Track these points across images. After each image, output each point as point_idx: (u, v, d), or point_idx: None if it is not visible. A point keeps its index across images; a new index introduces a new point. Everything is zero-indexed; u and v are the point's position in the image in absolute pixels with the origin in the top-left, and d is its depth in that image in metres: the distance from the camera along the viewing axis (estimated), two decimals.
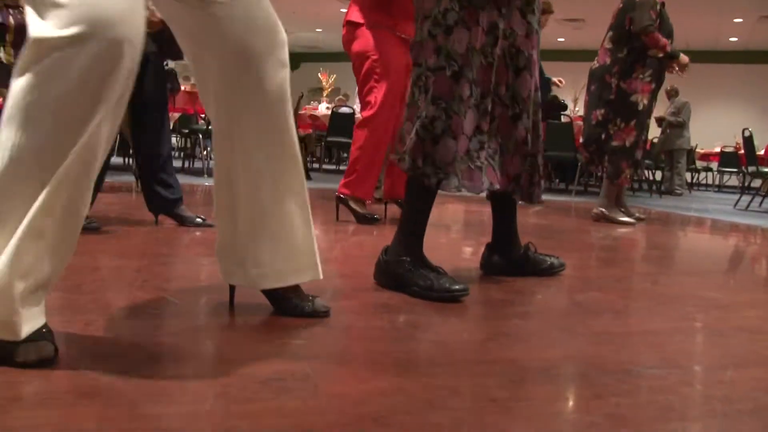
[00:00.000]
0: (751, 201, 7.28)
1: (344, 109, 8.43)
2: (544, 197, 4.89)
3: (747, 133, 7.32)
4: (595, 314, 1.67)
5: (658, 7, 4.02)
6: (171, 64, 6.52)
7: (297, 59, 19.36)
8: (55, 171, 0.99)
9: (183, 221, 2.75)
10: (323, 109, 8.89)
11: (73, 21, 0.95)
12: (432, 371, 1.14)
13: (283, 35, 1.30)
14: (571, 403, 1.05)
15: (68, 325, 1.25)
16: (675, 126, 9.53)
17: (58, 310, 1.34)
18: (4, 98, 1.07)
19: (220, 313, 1.42)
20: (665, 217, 5.15)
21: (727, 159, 11.29)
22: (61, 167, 0.99)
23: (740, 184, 10.00)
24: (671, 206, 4.66)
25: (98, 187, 2.50)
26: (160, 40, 2.55)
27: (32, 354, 1.01)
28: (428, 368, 1.16)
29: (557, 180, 9.22)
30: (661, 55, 4.00)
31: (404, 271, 1.74)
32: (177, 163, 7.83)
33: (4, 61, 2.59)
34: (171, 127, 7.32)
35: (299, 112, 8.22)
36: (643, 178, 8.62)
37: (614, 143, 4.07)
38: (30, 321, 1.02)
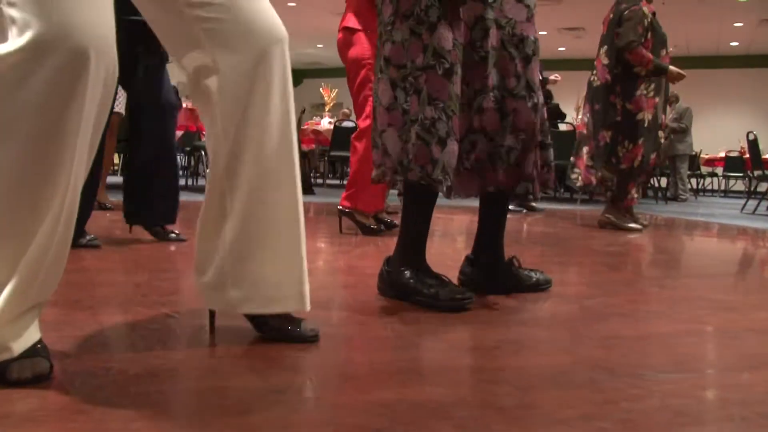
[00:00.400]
0: (758, 205, 7.23)
1: (347, 124, 8.44)
2: (549, 206, 4.87)
3: (752, 137, 7.29)
4: (603, 319, 1.64)
5: (648, 19, 3.90)
6: (172, 80, 6.52)
7: (299, 75, 19.45)
8: (37, 190, 0.96)
9: (159, 236, 2.71)
10: (326, 124, 8.90)
11: (29, 33, 0.92)
12: (436, 380, 1.11)
13: (284, 32, 1.25)
14: (581, 409, 1.01)
15: (65, 341, 1.22)
16: (677, 132, 9.50)
17: (54, 326, 1.32)
18: None
19: (219, 327, 1.39)
20: (671, 223, 5.11)
21: (732, 163, 11.24)
22: (50, 184, 0.97)
23: (746, 189, 9.95)
24: (677, 212, 4.63)
25: (90, 202, 2.47)
26: (145, 37, 2.39)
27: (27, 371, 0.99)
28: (432, 377, 1.13)
29: (561, 189, 9.18)
30: (644, 72, 3.88)
31: (407, 281, 1.71)
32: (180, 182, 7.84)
33: None
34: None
35: (302, 128, 8.24)
36: (649, 185, 8.58)
37: (623, 166, 4.01)
38: (24, 337, 1.00)
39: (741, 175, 11.02)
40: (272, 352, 1.24)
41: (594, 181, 4.09)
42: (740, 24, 12.48)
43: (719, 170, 12.32)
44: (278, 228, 1.25)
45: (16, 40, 0.92)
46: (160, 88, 2.62)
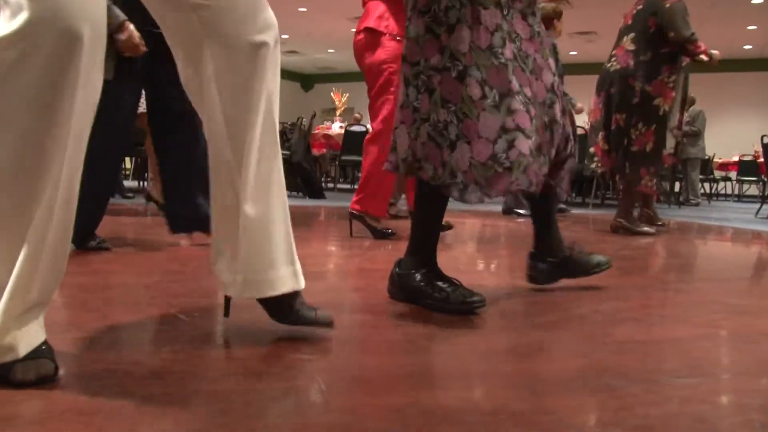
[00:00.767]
0: None
1: (357, 128, 8.43)
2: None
3: (766, 140, 7.21)
4: (617, 323, 1.61)
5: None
6: None
7: (310, 80, 19.50)
8: (34, 182, 0.95)
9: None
10: (336, 128, 8.91)
11: (22, 16, 0.91)
12: (448, 384, 1.09)
13: (272, 19, 1.27)
14: (596, 415, 0.99)
15: (71, 343, 1.21)
16: (689, 135, 9.42)
17: (61, 327, 1.31)
18: None
19: (229, 328, 1.37)
20: (684, 227, 5.05)
21: (745, 168, 11.13)
22: (43, 171, 0.96)
23: (760, 193, 9.85)
24: (690, 216, 4.57)
25: (101, 207, 2.46)
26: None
27: (31, 373, 0.97)
28: (444, 381, 1.11)
29: (573, 193, 9.13)
30: (705, 59, 3.97)
31: (418, 284, 1.69)
32: None
33: None
34: None
35: (312, 132, 8.24)
36: (662, 189, 8.51)
37: (634, 148, 3.99)
38: (28, 339, 0.99)
39: (755, 179, 10.91)
40: (282, 354, 1.22)
41: (613, 162, 4.08)
42: (754, 27, 12.37)
43: (733, 174, 12.20)
44: (277, 207, 1.29)
45: (9, 23, 0.92)
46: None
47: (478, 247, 3.18)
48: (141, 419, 0.88)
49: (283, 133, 7.50)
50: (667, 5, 3.91)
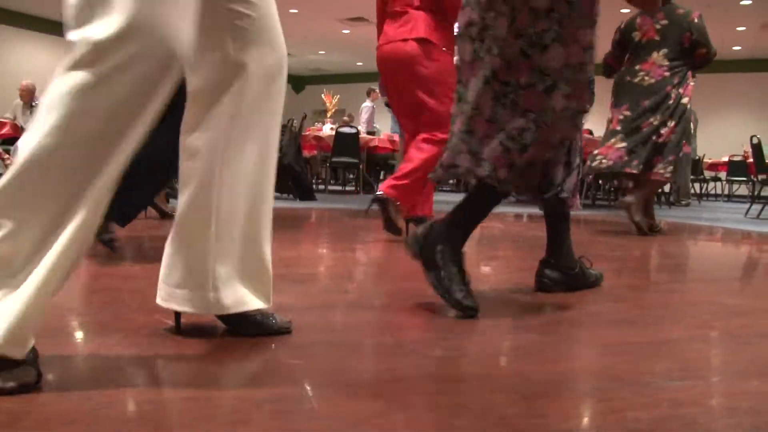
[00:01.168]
0: (762, 209, 7.18)
1: (348, 129, 8.42)
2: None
3: (755, 141, 7.25)
4: (609, 325, 1.60)
5: None
6: None
7: (301, 82, 19.46)
8: (86, 181, 0.95)
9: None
10: (327, 130, 8.89)
11: (126, 29, 0.93)
12: (437, 388, 1.08)
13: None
14: (586, 418, 0.98)
15: (55, 348, 1.19)
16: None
17: (46, 333, 1.28)
18: None
19: (214, 333, 1.35)
20: (676, 227, 5.06)
21: (735, 168, 11.18)
22: (98, 183, 0.96)
23: (750, 193, 9.90)
24: (682, 216, 4.58)
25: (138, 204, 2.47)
26: None
27: (11, 381, 0.95)
28: (433, 385, 1.09)
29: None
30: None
31: (435, 256, 1.70)
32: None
33: None
34: None
35: (303, 134, 8.22)
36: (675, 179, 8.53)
37: (660, 140, 4.09)
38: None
39: (744, 179, 10.96)
40: (268, 359, 1.21)
41: (626, 157, 4.11)
42: (743, 28, 12.44)
43: (722, 175, 12.26)
44: (262, 224, 1.29)
45: (108, 30, 0.93)
46: None
47: (469, 248, 3.17)
48: (123, 427, 0.86)
49: None
50: (696, 21, 4.09)
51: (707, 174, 12.42)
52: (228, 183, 1.24)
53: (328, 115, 10.45)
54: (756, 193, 8.49)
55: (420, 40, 3.23)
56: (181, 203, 1.26)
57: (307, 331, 1.40)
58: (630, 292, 2.10)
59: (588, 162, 4.26)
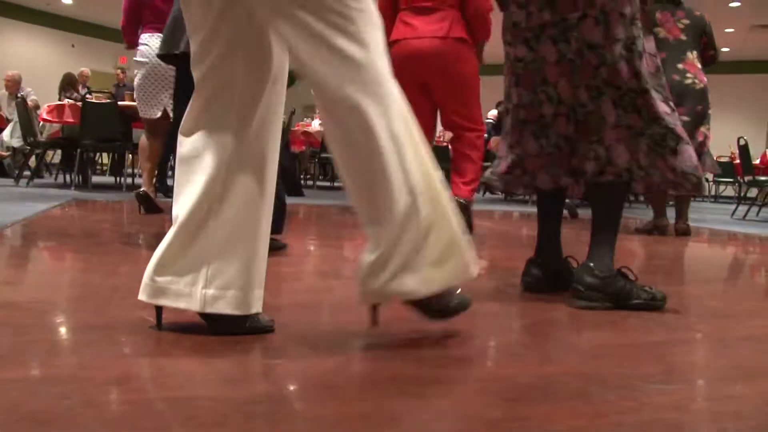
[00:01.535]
0: (748, 210, 7.23)
1: None
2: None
3: (742, 142, 7.29)
4: (592, 326, 1.60)
5: None
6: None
7: (291, 76, 19.35)
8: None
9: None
10: (316, 125, 8.84)
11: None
12: (419, 391, 1.06)
13: None
14: (570, 422, 0.97)
15: (32, 345, 1.17)
16: None
17: (23, 329, 1.26)
18: None
19: (195, 331, 1.33)
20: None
21: (722, 169, 11.24)
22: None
23: (736, 194, 9.96)
24: (669, 217, 4.61)
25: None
26: None
27: None
28: (415, 387, 1.08)
29: None
30: None
31: (624, 286, 1.81)
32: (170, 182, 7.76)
33: None
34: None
35: (291, 129, 8.18)
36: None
37: (703, 149, 4.19)
38: None
39: (731, 180, 11.03)
40: (251, 359, 1.19)
41: None
42: (731, 30, 12.51)
43: (709, 176, 12.31)
44: (262, 226, 1.32)
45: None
46: None
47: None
48: (99, 428, 0.84)
49: None
50: (708, 23, 4.19)
51: None
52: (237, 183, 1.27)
53: (317, 110, 10.40)
54: (742, 194, 8.55)
55: (460, 40, 3.28)
56: (194, 197, 1.26)
57: (290, 330, 1.39)
58: None
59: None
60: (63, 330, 1.32)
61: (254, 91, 1.28)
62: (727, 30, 12.52)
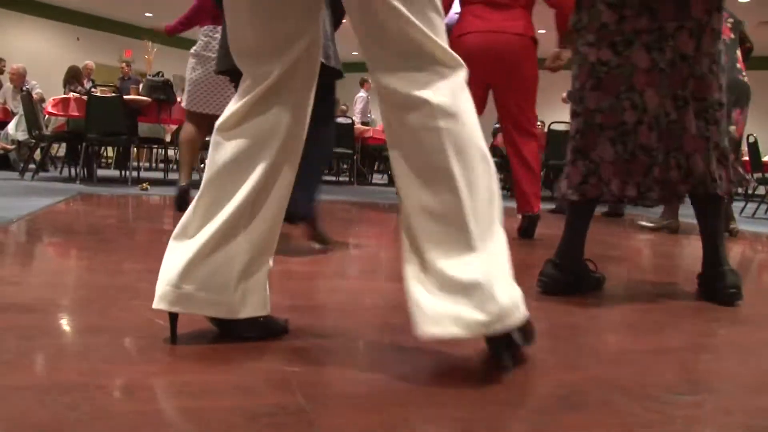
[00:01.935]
0: (757, 208, 7.17)
1: (343, 120, 8.34)
2: (543, 206, 4.81)
3: (752, 139, 7.22)
4: (610, 330, 1.56)
5: None
6: (167, 75, 6.40)
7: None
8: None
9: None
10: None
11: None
12: (440, 401, 1.03)
13: None
14: None
15: (38, 351, 1.14)
16: None
17: (28, 333, 1.23)
18: None
19: (206, 336, 1.30)
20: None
21: None
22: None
23: (745, 192, 9.88)
24: (680, 215, 4.57)
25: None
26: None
27: None
28: (436, 397, 1.04)
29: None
30: None
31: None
32: (174, 175, 7.72)
33: None
34: (169, 139, 7.25)
35: None
36: None
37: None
38: None
39: None
40: (264, 367, 1.15)
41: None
42: None
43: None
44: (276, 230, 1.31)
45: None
46: None
47: None
48: None
49: None
50: (742, 21, 4.27)
51: None
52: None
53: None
54: (751, 192, 8.49)
55: (534, 40, 3.23)
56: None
57: (302, 334, 1.35)
58: (629, 294, 2.06)
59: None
60: (69, 333, 1.29)
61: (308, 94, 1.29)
62: None
